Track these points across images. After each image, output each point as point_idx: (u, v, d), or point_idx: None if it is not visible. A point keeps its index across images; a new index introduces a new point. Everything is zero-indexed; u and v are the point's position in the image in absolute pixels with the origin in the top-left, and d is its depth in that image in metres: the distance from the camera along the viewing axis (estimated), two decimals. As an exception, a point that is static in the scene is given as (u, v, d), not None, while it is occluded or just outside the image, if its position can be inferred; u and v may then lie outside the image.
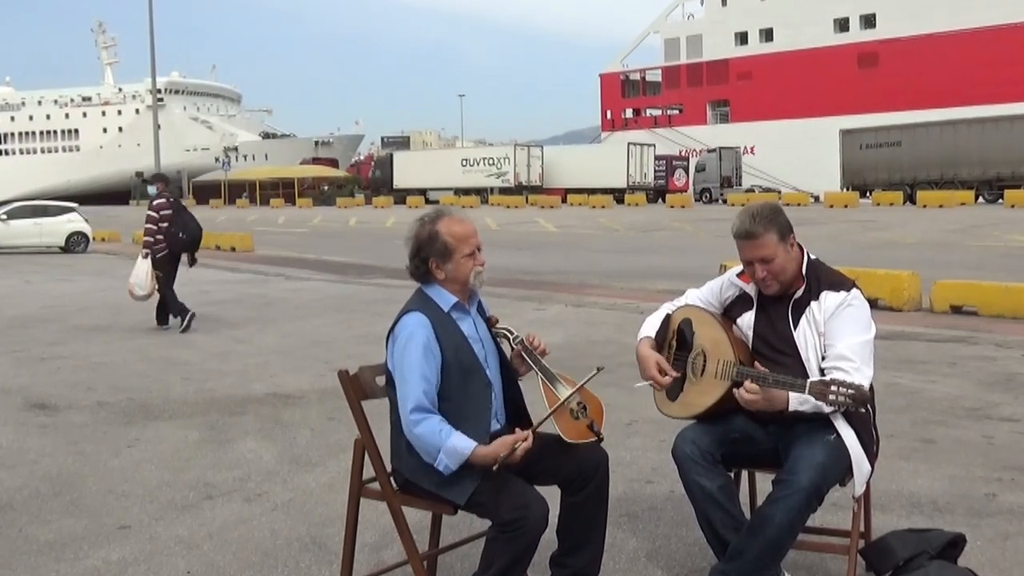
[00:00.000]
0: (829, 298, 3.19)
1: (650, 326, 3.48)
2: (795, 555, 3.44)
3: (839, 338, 3.12)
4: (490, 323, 3.24)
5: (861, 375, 3.05)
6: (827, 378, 2.96)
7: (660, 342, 3.44)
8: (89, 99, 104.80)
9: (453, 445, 2.87)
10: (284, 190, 67.36)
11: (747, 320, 3.35)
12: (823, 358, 3.15)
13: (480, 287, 3.17)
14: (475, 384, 3.06)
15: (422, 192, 55.76)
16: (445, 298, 3.11)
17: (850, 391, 2.87)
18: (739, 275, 3.40)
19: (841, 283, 3.24)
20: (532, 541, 2.85)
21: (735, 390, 3.08)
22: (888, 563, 3.27)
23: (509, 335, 3.21)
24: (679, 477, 3.30)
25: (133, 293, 10.32)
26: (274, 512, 4.35)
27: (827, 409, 3.02)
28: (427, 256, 3.08)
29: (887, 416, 5.18)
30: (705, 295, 3.51)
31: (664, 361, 3.37)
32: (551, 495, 3.05)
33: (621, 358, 7.57)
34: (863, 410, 3.07)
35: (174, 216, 10.31)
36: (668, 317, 3.49)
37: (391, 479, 3.13)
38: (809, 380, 2.97)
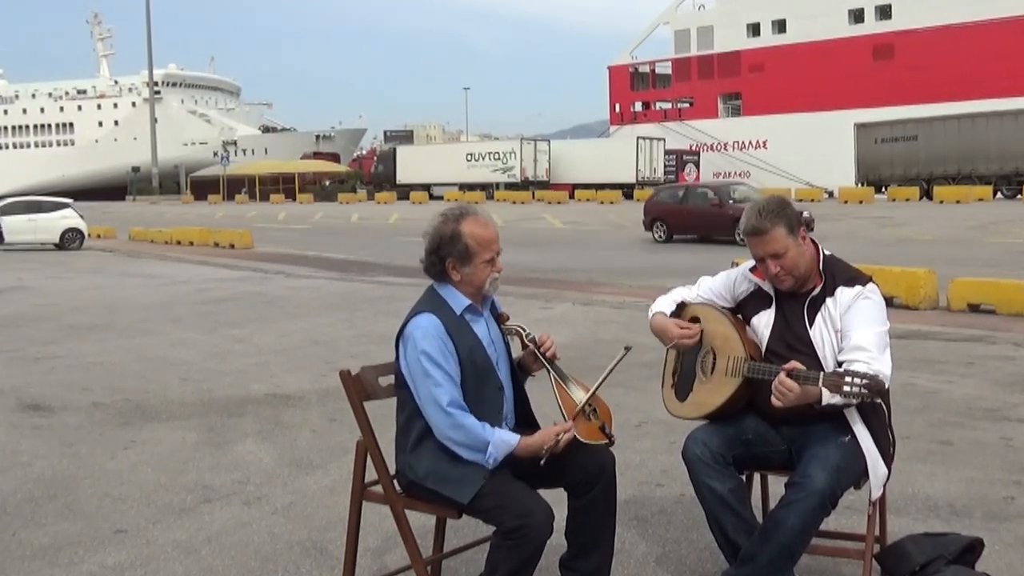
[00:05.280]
0: (845, 293, 3.15)
1: (664, 304, 3.44)
2: (808, 560, 3.38)
3: (854, 329, 3.07)
4: (500, 320, 3.19)
5: (880, 364, 2.99)
6: (840, 370, 2.90)
7: None
8: (84, 92, 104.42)
9: (501, 437, 2.89)
10: (284, 185, 67.27)
11: (765, 319, 3.29)
12: (839, 351, 3.09)
13: (494, 293, 3.12)
14: (489, 387, 3.03)
15: (426, 187, 55.65)
16: (458, 300, 3.05)
17: (864, 381, 2.81)
18: (752, 270, 3.34)
19: (857, 278, 3.20)
20: (536, 548, 2.81)
21: (773, 384, 2.98)
22: (904, 568, 3.24)
23: (522, 332, 3.16)
24: (689, 479, 3.24)
25: None
26: (274, 516, 4.30)
27: (854, 401, 2.94)
28: (445, 255, 3.01)
29: (903, 417, 5.11)
30: (718, 286, 3.45)
31: (682, 321, 3.33)
32: (559, 498, 2.99)
33: (630, 358, 7.47)
34: (879, 400, 3.02)
35: None
36: (678, 310, 3.42)
37: (394, 482, 3.08)
38: (823, 373, 2.92)
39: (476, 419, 2.91)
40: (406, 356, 2.97)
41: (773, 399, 2.98)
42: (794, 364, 2.98)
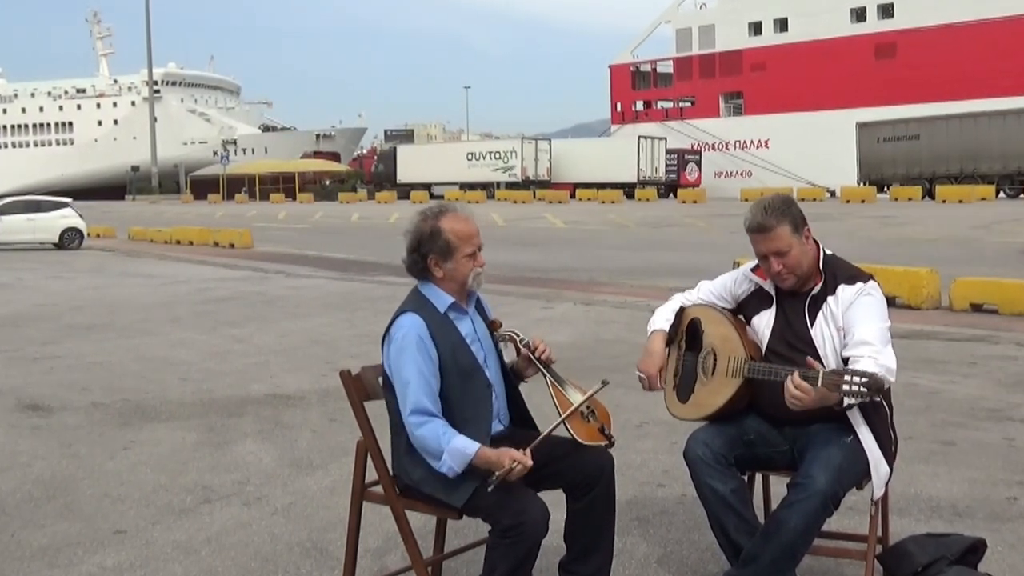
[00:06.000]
0: (846, 291, 3.14)
1: (662, 318, 3.43)
2: (810, 560, 3.37)
3: (857, 324, 3.06)
4: (493, 327, 3.17)
5: (885, 358, 2.98)
6: (839, 368, 2.89)
7: (669, 340, 3.39)
8: (84, 91, 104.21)
9: (456, 446, 2.83)
10: (284, 185, 67.18)
11: (765, 319, 3.28)
12: (844, 347, 3.08)
13: (478, 288, 3.11)
14: (475, 385, 3.02)
15: (426, 187, 55.57)
16: (442, 298, 3.04)
17: (864, 379, 2.80)
18: (754, 270, 3.33)
19: (858, 276, 3.19)
20: (532, 547, 2.80)
21: (787, 387, 2.95)
22: (907, 569, 3.23)
23: (516, 337, 3.15)
24: (691, 480, 3.23)
25: None
26: (274, 516, 4.28)
27: (854, 400, 2.91)
28: (427, 252, 3.01)
29: (905, 417, 5.07)
30: (718, 289, 3.44)
31: (666, 370, 3.33)
32: (558, 500, 2.98)
33: (631, 358, 7.43)
34: (879, 399, 3.00)
35: None
36: (678, 315, 3.41)
37: (394, 482, 3.06)
38: (822, 372, 2.91)
39: (440, 426, 2.86)
40: (388, 357, 2.97)
41: (789, 403, 2.94)
42: (809, 363, 2.94)
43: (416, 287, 3.09)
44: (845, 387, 2.81)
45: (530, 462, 2.81)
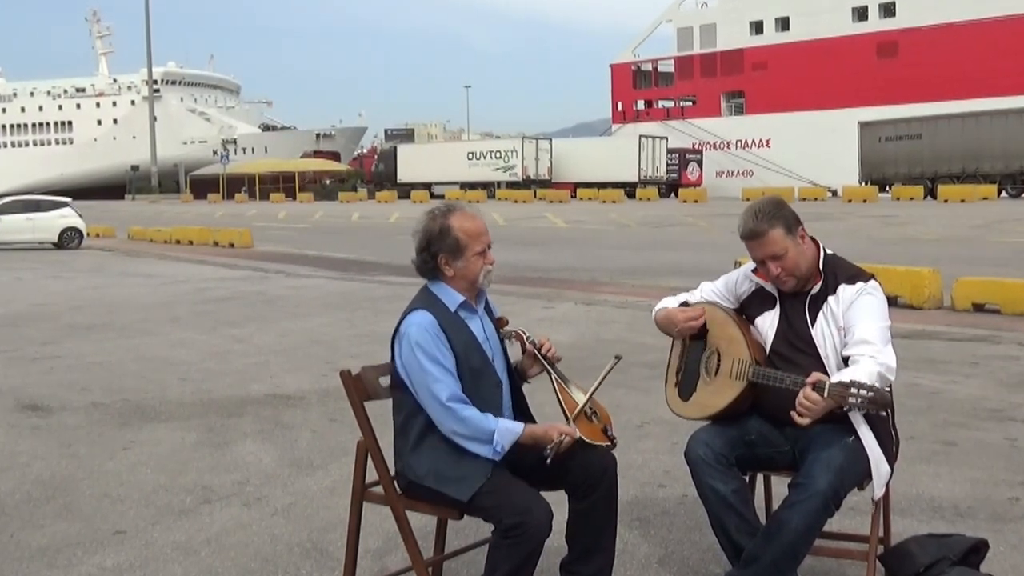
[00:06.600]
0: (846, 291, 3.13)
1: (667, 302, 3.44)
2: (812, 561, 3.35)
3: (858, 323, 3.05)
4: (499, 324, 3.18)
5: (885, 356, 2.97)
6: (847, 379, 2.87)
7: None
8: (83, 90, 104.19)
9: (505, 425, 2.90)
10: (284, 184, 67.18)
11: (768, 319, 3.26)
12: (844, 346, 3.07)
13: (488, 286, 3.11)
14: (485, 384, 3.02)
15: (427, 186, 55.58)
16: (452, 297, 3.04)
17: (870, 394, 2.79)
18: (755, 271, 3.32)
19: (858, 276, 3.18)
20: (535, 547, 2.80)
21: (798, 400, 2.93)
22: (908, 569, 3.22)
23: (523, 335, 3.15)
24: (692, 480, 3.22)
25: None
26: (274, 517, 4.27)
27: (860, 411, 2.92)
28: (437, 251, 3.01)
29: (907, 418, 5.08)
30: (720, 288, 3.43)
31: (687, 308, 3.32)
32: (560, 501, 2.97)
33: (632, 358, 7.47)
34: (883, 413, 2.99)
35: None
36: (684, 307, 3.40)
37: (395, 483, 3.06)
38: (828, 383, 2.88)
39: (478, 410, 2.90)
40: (401, 354, 2.97)
41: (798, 418, 2.91)
42: (818, 376, 2.92)
43: (425, 285, 3.09)
44: (851, 399, 2.80)
45: (578, 433, 2.89)
